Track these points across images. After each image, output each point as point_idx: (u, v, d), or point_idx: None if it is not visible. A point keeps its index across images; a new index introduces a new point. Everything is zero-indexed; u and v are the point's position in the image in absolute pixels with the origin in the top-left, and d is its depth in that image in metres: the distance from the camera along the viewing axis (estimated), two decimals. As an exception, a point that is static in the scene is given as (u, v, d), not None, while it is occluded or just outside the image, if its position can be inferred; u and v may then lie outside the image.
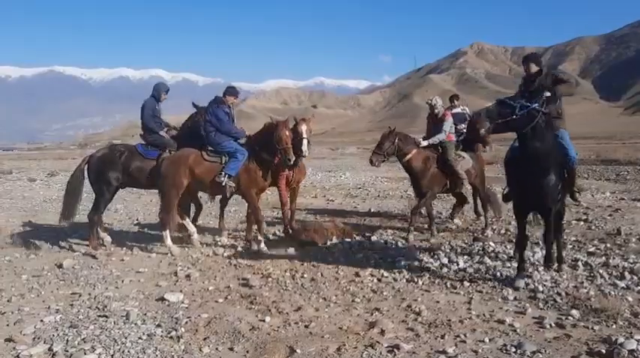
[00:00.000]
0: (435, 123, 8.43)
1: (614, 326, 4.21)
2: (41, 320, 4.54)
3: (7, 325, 4.50)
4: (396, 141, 7.97)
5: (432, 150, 8.20)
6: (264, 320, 4.53)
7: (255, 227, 7.55)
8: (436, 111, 8.41)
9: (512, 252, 6.79)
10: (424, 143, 8.18)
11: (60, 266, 6.49)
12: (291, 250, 7.29)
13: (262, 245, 7.27)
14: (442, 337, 4.12)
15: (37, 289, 5.59)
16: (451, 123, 8.39)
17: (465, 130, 8.91)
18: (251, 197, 7.41)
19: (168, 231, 7.31)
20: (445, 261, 6.39)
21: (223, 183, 7.16)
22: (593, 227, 8.42)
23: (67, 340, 4.10)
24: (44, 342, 4.08)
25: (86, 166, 7.81)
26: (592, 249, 6.86)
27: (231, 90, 7.63)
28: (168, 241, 7.29)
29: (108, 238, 7.79)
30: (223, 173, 7.16)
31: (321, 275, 5.99)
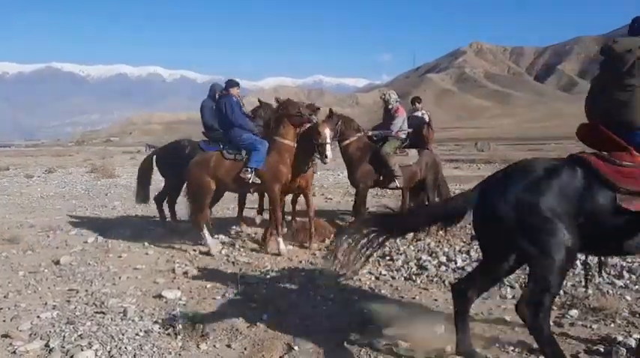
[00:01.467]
0: (387, 118, 8.34)
1: (612, 325, 4.21)
2: (38, 317, 4.51)
3: (4, 321, 4.48)
4: (339, 124, 7.87)
5: (372, 142, 8.08)
6: (261, 317, 4.51)
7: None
8: (390, 106, 8.28)
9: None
10: (370, 133, 8.15)
11: (57, 262, 6.46)
12: (289, 248, 7.28)
13: (282, 245, 7.00)
14: (440, 335, 4.10)
15: (34, 285, 5.56)
16: (402, 120, 8.27)
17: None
18: (273, 192, 7.13)
19: (205, 231, 7.10)
20: (443, 259, 6.39)
21: (250, 180, 6.92)
22: (591, 226, 8.41)
23: (64, 336, 4.08)
24: (41, 338, 4.05)
25: (155, 157, 8.71)
26: (590, 248, 6.85)
27: (232, 82, 7.53)
28: (208, 240, 7.09)
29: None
30: (248, 168, 6.92)
31: (319, 272, 5.98)
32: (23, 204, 12.31)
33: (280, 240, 7.03)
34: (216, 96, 8.23)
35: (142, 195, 8.86)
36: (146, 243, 7.57)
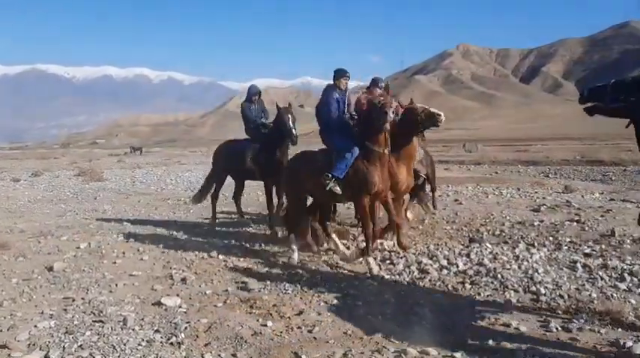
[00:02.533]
0: None
1: (619, 330, 4.20)
2: (35, 326, 4.39)
3: (1, 331, 4.34)
4: None
5: None
6: (266, 325, 4.43)
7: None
8: None
9: (509, 253, 6.78)
10: None
11: (50, 269, 6.29)
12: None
13: (372, 264, 6.09)
14: (448, 341, 4.06)
15: (29, 293, 5.41)
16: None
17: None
18: (361, 205, 6.25)
19: (293, 236, 6.82)
20: (444, 262, 6.35)
21: (327, 187, 6.19)
22: (586, 228, 8.43)
23: (64, 347, 3.97)
24: (40, 349, 3.94)
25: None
26: (588, 251, 6.86)
27: (340, 72, 6.59)
28: (293, 246, 6.74)
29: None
30: (329, 175, 6.19)
31: (321, 278, 5.91)
32: (11, 209, 12.08)
33: (371, 260, 6.15)
34: (252, 99, 8.94)
35: (198, 197, 9.65)
36: (140, 248, 7.43)
